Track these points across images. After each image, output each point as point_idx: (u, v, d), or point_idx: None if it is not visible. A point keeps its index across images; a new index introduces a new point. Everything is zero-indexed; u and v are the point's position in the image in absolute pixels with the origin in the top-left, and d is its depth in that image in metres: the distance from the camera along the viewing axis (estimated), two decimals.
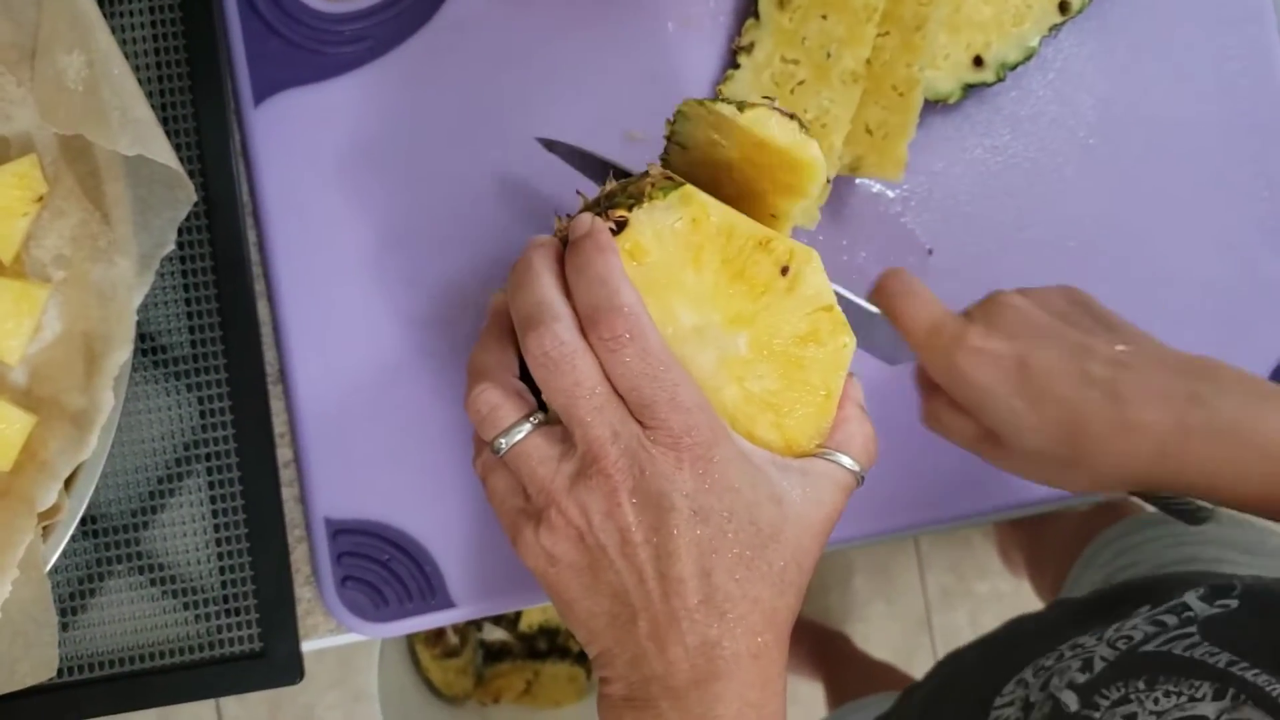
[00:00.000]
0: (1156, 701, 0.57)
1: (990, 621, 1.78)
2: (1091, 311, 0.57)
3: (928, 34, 0.61)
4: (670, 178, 0.52)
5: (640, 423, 0.48)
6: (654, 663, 0.48)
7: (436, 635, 1.53)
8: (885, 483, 0.68)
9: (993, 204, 0.69)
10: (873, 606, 1.78)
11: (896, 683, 1.48)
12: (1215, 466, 0.53)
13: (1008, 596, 1.78)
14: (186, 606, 0.62)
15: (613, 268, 0.49)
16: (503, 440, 0.50)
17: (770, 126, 0.51)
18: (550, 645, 1.57)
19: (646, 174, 0.53)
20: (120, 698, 0.61)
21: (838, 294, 0.54)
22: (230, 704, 1.66)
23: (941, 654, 1.75)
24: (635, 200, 0.51)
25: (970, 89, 0.66)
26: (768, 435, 0.51)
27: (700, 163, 0.55)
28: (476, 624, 1.56)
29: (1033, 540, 1.59)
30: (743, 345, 0.51)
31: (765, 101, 0.52)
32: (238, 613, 0.62)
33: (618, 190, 0.53)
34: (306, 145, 0.65)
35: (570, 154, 0.61)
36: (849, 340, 0.52)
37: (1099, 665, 0.64)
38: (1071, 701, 0.62)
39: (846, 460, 0.52)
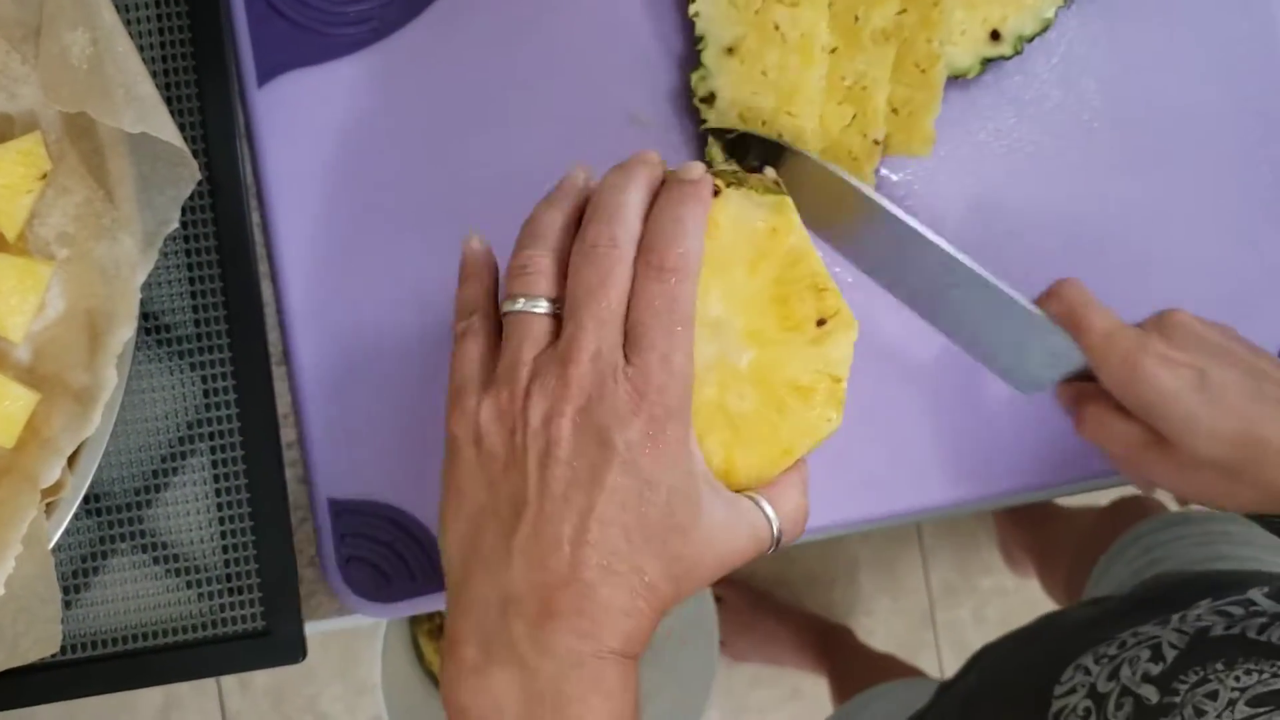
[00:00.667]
0: (1238, 679, 0.58)
1: (994, 617, 1.78)
2: (1248, 344, 0.61)
3: (945, 8, 0.61)
4: (778, 185, 0.52)
5: (626, 357, 0.47)
6: (518, 579, 0.46)
7: (440, 628, 1.53)
8: (888, 466, 0.68)
9: (997, 188, 0.69)
10: (877, 602, 1.77)
11: (903, 673, 1.48)
12: None
13: (1012, 593, 1.78)
14: (189, 585, 0.62)
15: (698, 219, 0.49)
16: (523, 300, 0.49)
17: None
18: None
19: (763, 171, 0.54)
20: (122, 676, 0.61)
21: (997, 288, 0.59)
22: (234, 696, 1.66)
23: (946, 650, 1.76)
24: (738, 182, 0.51)
25: (988, 63, 0.66)
26: (713, 450, 0.51)
27: None
28: None
29: (1039, 539, 1.59)
30: (744, 361, 0.51)
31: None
32: (241, 591, 0.62)
33: (728, 169, 0.54)
34: (310, 126, 0.65)
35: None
36: (835, 418, 0.52)
37: (1170, 653, 0.64)
38: (1152, 695, 0.62)
39: (773, 514, 0.51)
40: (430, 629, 1.52)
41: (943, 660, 1.78)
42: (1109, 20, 0.70)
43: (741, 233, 0.51)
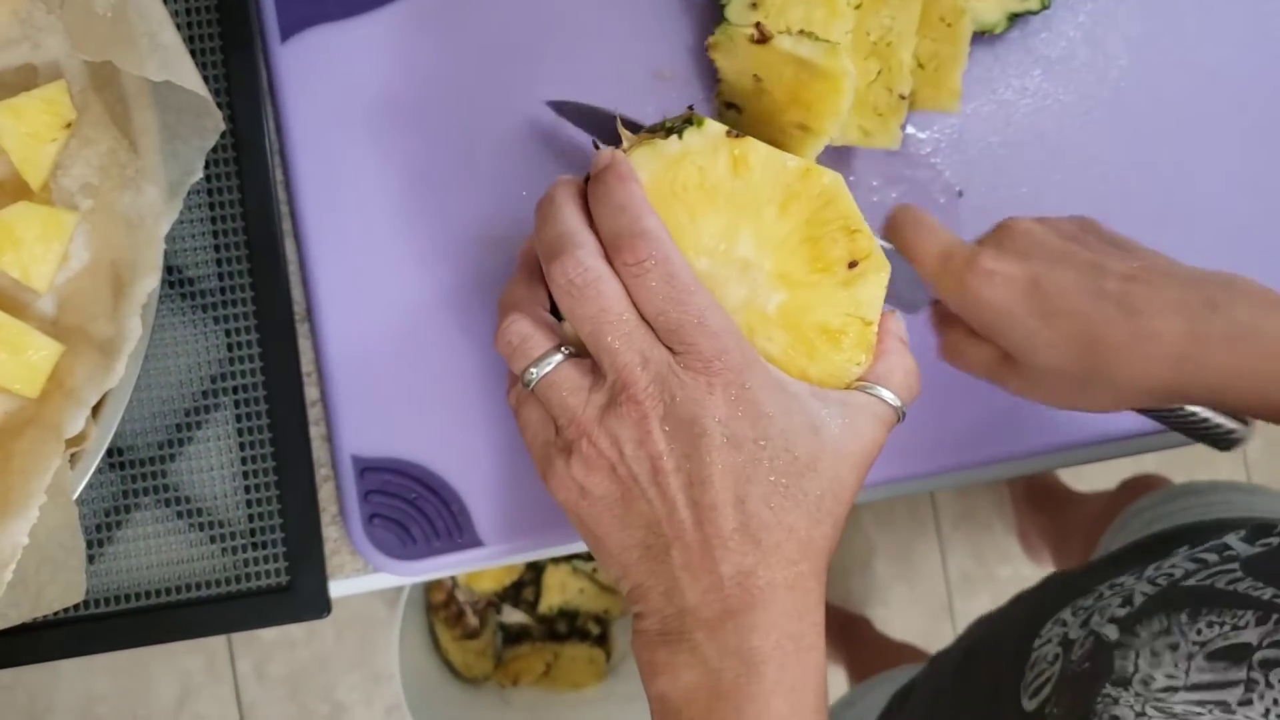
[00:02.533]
0: (1199, 632, 0.57)
1: None
2: (1103, 235, 0.57)
3: None
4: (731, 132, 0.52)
5: (669, 349, 0.48)
6: (688, 593, 0.47)
7: (456, 616, 1.53)
8: (902, 431, 0.67)
9: (1023, 146, 0.69)
10: (894, 591, 1.77)
11: (919, 659, 1.48)
12: (1232, 372, 0.52)
13: (1029, 581, 1.77)
14: (213, 540, 0.62)
15: (634, 195, 0.49)
16: (534, 370, 0.50)
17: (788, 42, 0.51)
18: (570, 627, 1.57)
19: (690, 110, 0.52)
20: (146, 630, 0.60)
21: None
22: (250, 685, 1.66)
23: None
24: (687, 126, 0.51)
25: (1015, 19, 0.65)
26: (807, 368, 0.51)
27: (746, 94, 0.55)
28: (496, 606, 1.56)
29: (1056, 525, 1.58)
30: (773, 303, 0.51)
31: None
32: (264, 546, 0.62)
33: (661, 125, 0.53)
34: (334, 83, 0.64)
35: (578, 113, 0.62)
36: (864, 360, 0.51)
37: (1139, 600, 0.63)
38: (1111, 633, 0.62)
39: (887, 394, 0.51)
40: (446, 616, 1.52)
41: None
42: None
43: (772, 172, 0.50)
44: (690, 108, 0.52)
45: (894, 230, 0.59)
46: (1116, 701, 0.57)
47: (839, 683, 1.66)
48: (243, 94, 0.62)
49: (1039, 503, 1.65)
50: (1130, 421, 0.68)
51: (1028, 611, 0.76)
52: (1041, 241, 0.55)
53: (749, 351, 0.48)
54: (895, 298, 0.60)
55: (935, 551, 1.78)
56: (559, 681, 1.56)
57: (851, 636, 1.66)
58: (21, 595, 0.54)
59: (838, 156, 0.67)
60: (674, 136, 0.50)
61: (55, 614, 0.59)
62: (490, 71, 0.65)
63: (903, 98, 0.63)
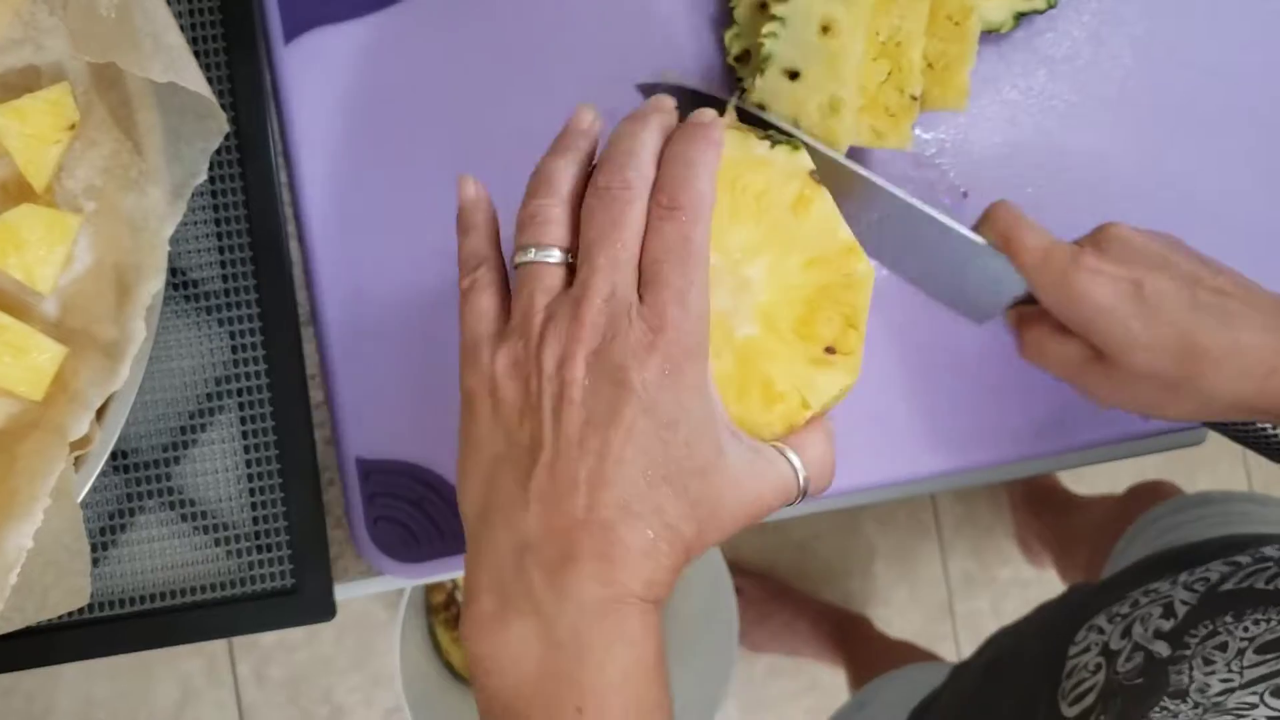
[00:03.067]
0: (1246, 630, 0.58)
1: (1013, 608, 1.77)
2: (1191, 251, 0.60)
3: None
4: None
5: (641, 297, 0.46)
6: (534, 525, 0.45)
7: (457, 618, 1.53)
8: (902, 433, 0.67)
9: (1029, 147, 0.69)
10: (895, 592, 1.77)
11: (921, 658, 1.48)
12: None
13: (1031, 584, 1.77)
14: (218, 543, 0.62)
15: (709, 161, 0.49)
16: (534, 251, 0.48)
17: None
18: None
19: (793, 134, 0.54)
20: (150, 634, 0.60)
21: (948, 226, 0.59)
22: (250, 687, 1.65)
23: (964, 641, 1.75)
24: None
25: (1022, 17, 0.65)
26: (730, 403, 0.50)
27: None
28: None
29: (1058, 530, 1.58)
30: (742, 333, 0.50)
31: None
32: (269, 549, 0.62)
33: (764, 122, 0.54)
34: (337, 83, 0.64)
35: (673, 91, 0.60)
36: (780, 434, 0.50)
37: (1181, 609, 0.63)
38: (1163, 650, 0.62)
39: (798, 462, 0.49)
40: (446, 618, 1.52)
41: (961, 651, 1.77)
42: None
43: (822, 228, 0.50)
44: (792, 135, 0.52)
45: (993, 222, 0.60)
46: (1176, 716, 0.56)
47: (840, 683, 1.66)
48: (246, 95, 0.62)
49: (1037, 507, 1.65)
50: (1129, 424, 0.68)
51: (1056, 619, 0.76)
52: (1141, 248, 0.58)
53: (704, 348, 0.47)
54: (969, 301, 0.62)
55: (936, 553, 1.78)
56: None
57: (852, 636, 1.66)
58: (25, 599, 0.54)
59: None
60: (767, 143, 0.51)
61: (59, 617, 0.58)
62: (494, 73, 0.65)
63: (914, 98, 0.63)
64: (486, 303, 0.49)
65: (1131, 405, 0.59)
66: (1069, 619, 0.73)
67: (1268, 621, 0.57)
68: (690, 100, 0.61)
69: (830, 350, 0.50)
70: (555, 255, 0.48)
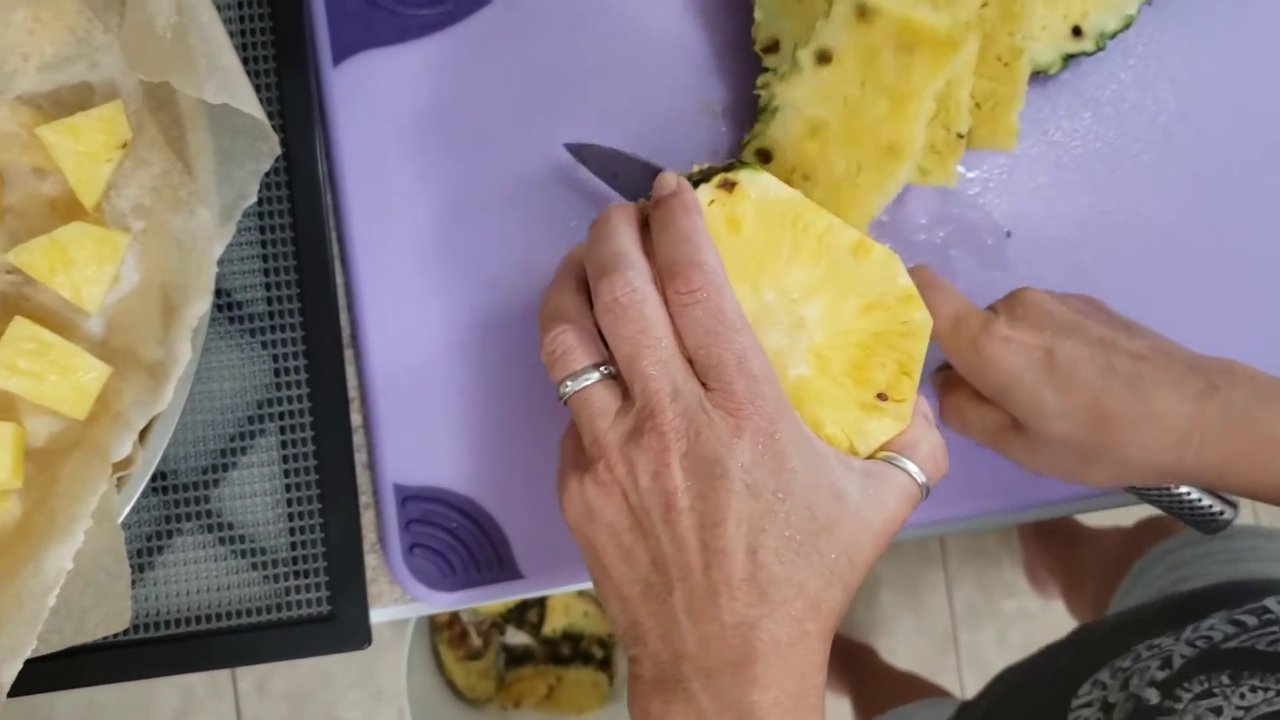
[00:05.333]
0: (1243, 696, 0.57)
1: (1018, 641, 1.77)
2: (1109, 315, 0.59)
3: (1026, 3, 0.61)
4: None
5: (704, 385, 0.47)
6: (688, 639, 0.45)
7: (460, 637, 1.52)
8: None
9: (1072, 188, 0.69)
10: (899, 621, 1.76)
11: (925, 694, 1.47)
12: (1231, 456, 0.55)
13: (1036, 616, 1.77)
14: (255, 567, 0.61)
15: (697, 226, 0.49)
16: (570, 384, 0.49)
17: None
18: (573, 650, 1.56)
19: (735, 160, 0.52)
20: (185, 658, 0.59)
21: None
22: (250, 700, 1.64)
23: (968, 672, 1.75)
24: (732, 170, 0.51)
25: (1070, 59, 0.65)
26: (831, 431, 0.50)
27: (794, 135, 0.54)
28: (500, 627, 1.55)
29: (1066, 562, 1.58)
30: (793, 374, 0.50)
31: None
32: (306, 575, 0.61)
33: (712, 167, 0.52)
34: (384, 107, 0.64)
35: (598, 160, 0.61)
36: (898, 430, 0.51)
37: (1179, 662, 0.63)
38: (1153, 696, 0.61)
39: (913, 468, 0.50)
40: (450, 637, 1.51)
41: (964, 682, 1.77)
42: (1187, 22, 0.69)
43: (881, 275, 0.50)
44: None
45: None
46: None
47: (844, 713, 1.65)
48: (295, 117, 0.62)
49: (1046, 538, 1.64)
50: None
51: (1060, 666, 0.75)
52: (1053, 314, 0.57)
53: (783, 402, 0.47)
54: None
55: (941, 583, 1.77)
56: (561, 705, 1.55)
57: (856, 665, 1.65)
58: (65, 621, 0.53)
59: None
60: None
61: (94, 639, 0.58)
62: (542, 99, 0.65)
63: (960, 136, 0.63)
64: (571, 439, 0.51)
65: (1051, 471, 0.58)
66: (1074, 669, 0.72)
67: (1265, 690, 0.56)
68: (618, 162, 0.61)
69: (882, 396, 0.50)
70: (593, 376, 0.49)
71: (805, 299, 0.50)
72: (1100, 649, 0.72)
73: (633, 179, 0.61)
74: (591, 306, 0.50)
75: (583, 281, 0.51)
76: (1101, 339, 0.56)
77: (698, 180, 0.51)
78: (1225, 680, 0.58)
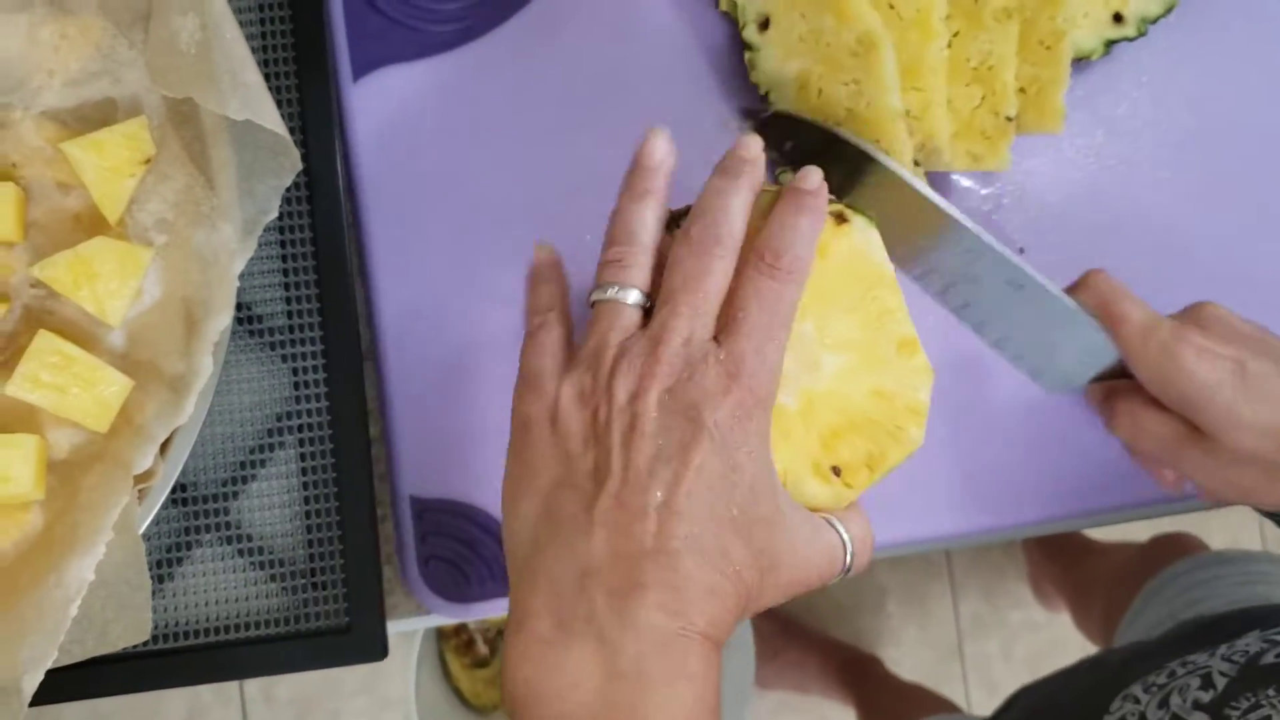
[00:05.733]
0: None
1: (1023, 652, 1.77)
2: (1267, 329, 0.60)
3: None
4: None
5: (717, 339, 0.47)
6: (599, 550, 0.44)
7: (467, 644, 1.52)
8: (919, 492, 0.67)
9: (1086, 205, 0.69)
10: (905, 632, 1.76)
11: (931, 706, 1.47)
12: None
13: (1042, 628, 1.77)
14: (273, 579, 0.62)
15: (814, 228, 0.49)
16: (615, 288, 0.48)
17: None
18: None
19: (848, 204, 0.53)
20: (205, 669, 0.60)
21: (1046, 289, 0.58)
22: (257, 706, 1.65)
23: (973, 683, 1.75)
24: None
25: (1112, 45, 0.66)
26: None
27: None
28: None
29: (1073, 575, 1.57)
30: (791, 403, 0.50)
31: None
32: (324, 587, 0.62)
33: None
34: (403, 122, 0.64)
35: (780, 126, 0.61)
36: (831, 508, 0.51)
37: (1221, 681, 0.63)
38: (1199, 719, 0.61)
39: (844, 534, 0.49)
40: (457, 644, 1.52)
41: (970, 694, 1.77)
42: (1200, 40, 0.70)
43: (912, 381, 0.51)
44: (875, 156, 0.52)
45: (1091, 291, 0.60)
46: None
47: None
48: (316, 132, 0.62)
49: (1053, 551, 1.64)
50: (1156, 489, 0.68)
51: (1085, 687, 0.75)
52: (1240, 330, 0.58)
53: (771, 398, 0.47)
54: (1053, 370, 0.61)
55: (947, 594, 1.77)
56: None
57: (861, 675, 1.65)
58: (86, 632, 0.54)
59: (932, 181, 0.67)
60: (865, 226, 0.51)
61: None
62: (561, 115, 0.65)
63: (1009, 119, 0.63)
64: (554, 340, 0.50)
65: (1228, 489, 0.59)
66: (1103, 687, 0.72)
67: None
68: (793, 128, 0.61)
69: (836, 471, 0.50)
70: (635, 296, 0.48)
71: (834, 350, 0.50)
72: (1127, 669, 0.72)
73: (807, 150, 0.61)
74: (661, 241, 0.50)
75: (665, 198, 0.51)
76: None
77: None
78: (1272, 693, 0.59)
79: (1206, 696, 0.63)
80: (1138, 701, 0.67)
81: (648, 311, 0.49)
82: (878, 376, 0.50)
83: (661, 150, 0.51)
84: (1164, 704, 0.65)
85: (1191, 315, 0.59)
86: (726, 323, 0.47)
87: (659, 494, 0.44)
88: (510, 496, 0.48)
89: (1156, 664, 0.69)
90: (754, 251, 0.48)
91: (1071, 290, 0.61)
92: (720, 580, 0.45)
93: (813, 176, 0.50)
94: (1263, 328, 0.60)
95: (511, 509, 0.48)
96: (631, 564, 0.44)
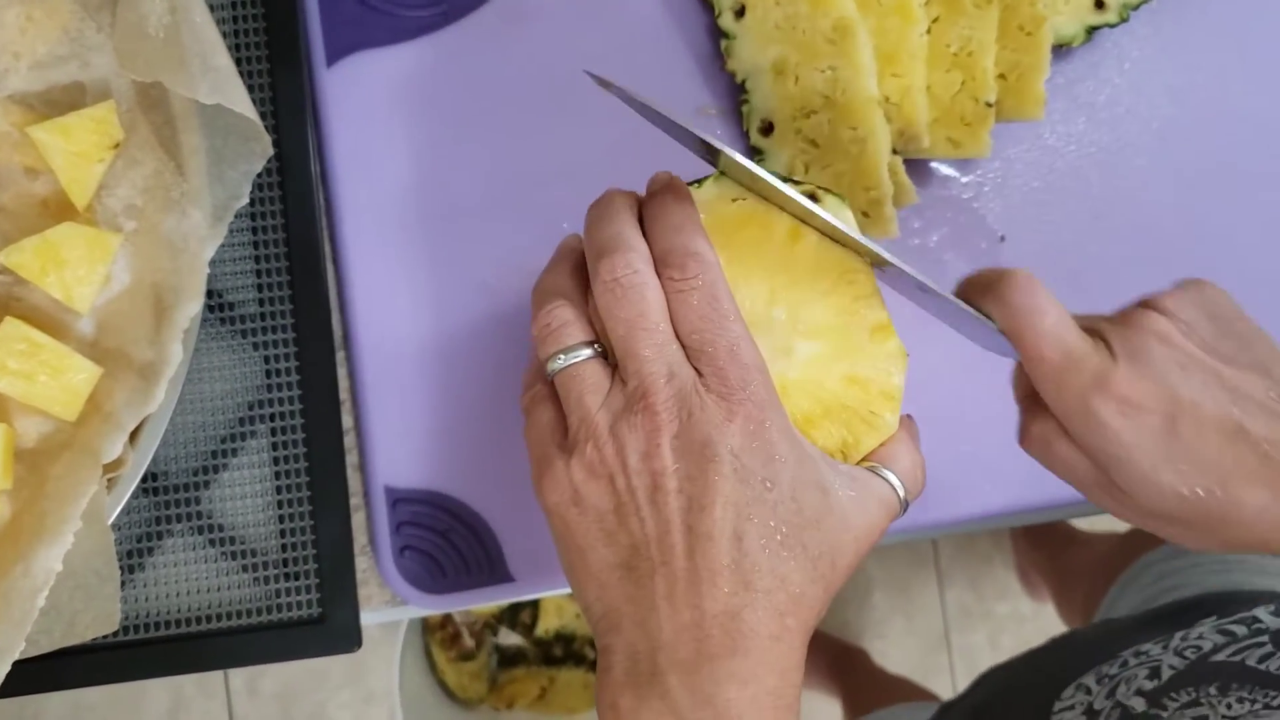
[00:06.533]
0: (1229, 707, 0.56)
1: (1010, 643, 1.77)
2: (1234, 328, 0.51)
3: None
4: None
5: (696, 370, 0.46)
6: (665, 627, 0.44)
7: (453, 638, 1.52)
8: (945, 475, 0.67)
9: (1066, 193, 0.68)
10: (891, 623, 1.76)
11: (915, 696, 1.47)
12: None
13: (1029, 619, 1.77)
14: (245, 569, 0.61)
15: (691, 217, 0.48)
16: (561, 358, 0.48)
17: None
18: (566, 652, 1.56)
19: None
20: (176, 659, 0.59)
21: (929, 288, 0.50)
22: (241, 699, 1.64)
23: (960, 674, 1.75)
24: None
25: (1093, 31, 0.66)
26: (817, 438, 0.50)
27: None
28: (492, 628, 1.55)
29: (1057, 563, 1.58)
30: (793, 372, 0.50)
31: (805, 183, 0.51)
32: (297, 577, 0.61)
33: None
34: (377, 108, 0.64)
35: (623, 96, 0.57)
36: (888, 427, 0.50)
37: (1167, 673, 0.62)
38: (1139, 705, 0.61)
39: (894, 478, 0.49)
40: (443, 638, 1.51)
41: (957, 685, 1.77)
42: (1180, 27, 0.69)
43: (887, 367, 0.50)
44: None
45: (1001, 306, 0.50)
46: None
47: (835, 715, 1.65)
48: (288, 118, 0.62)
49: (1039, 540, 1.64)
50: None
51: (1045, 669, 0.75)
52: (1177, 354, 0.49)
53: (773, 393, 0.47)
54: (990, 346, 0.54)
55: (933, 584, 1.77)
56: (554, 706, 1.55)
57: (848, 667, 1.65)
58: (54, 623, 0.53)
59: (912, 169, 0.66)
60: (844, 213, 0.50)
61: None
62: (533, 103, 0.65)
63: (989, 105, 0.63)
64: (546, 416, 0.49)
65: (1146, 528, 0.52)
66: (1059, 671, 0.72)
67: (1252, 702, 0.56)
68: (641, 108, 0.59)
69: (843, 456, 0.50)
70: (585, 353, 0.48)
71: (807, 336, 0.50)
72: (1085, 654, 0.72)
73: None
74: (586, 291, 0.49)
75: (579, 266, 0.51)
76: (1231, 390, 0.48)
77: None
78: (1213, 691, 0.58)
79: (1150, 684, 0.62)
80: (1089, 691, 0.67)
81: (603, 356, 0.48)
82: (851, 362, 0.50)
83: (574, 239, 0.52)
84: (1111, 694, 0.65)
85: (1122, 338, 0.49)
86: (689, 349, 0.47)
87: (703, 550, 0.44)
88: (574, 586, 0.48)
89: (1113, 651, 0.69)
90: (661, 271, 0.47)
91: (979, 291, 0.51)
92: (781, 620, 0.44)
93: (659, 175, 0.50)
94: (1213, 316, 0.51)
95: (579, 596, 0.48)
96: (696, 633, 0.44)
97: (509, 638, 1.56)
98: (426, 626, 1.52)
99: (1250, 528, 0.48)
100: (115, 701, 1.62)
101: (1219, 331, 0.50)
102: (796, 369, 0.50)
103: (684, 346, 0.47)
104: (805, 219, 0.50)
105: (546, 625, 1.55)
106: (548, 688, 1.55)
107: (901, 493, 0.49)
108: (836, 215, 0.49)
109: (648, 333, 0.46)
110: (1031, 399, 0.52)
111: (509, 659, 1.56)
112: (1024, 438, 0.53)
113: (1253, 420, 0.48)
